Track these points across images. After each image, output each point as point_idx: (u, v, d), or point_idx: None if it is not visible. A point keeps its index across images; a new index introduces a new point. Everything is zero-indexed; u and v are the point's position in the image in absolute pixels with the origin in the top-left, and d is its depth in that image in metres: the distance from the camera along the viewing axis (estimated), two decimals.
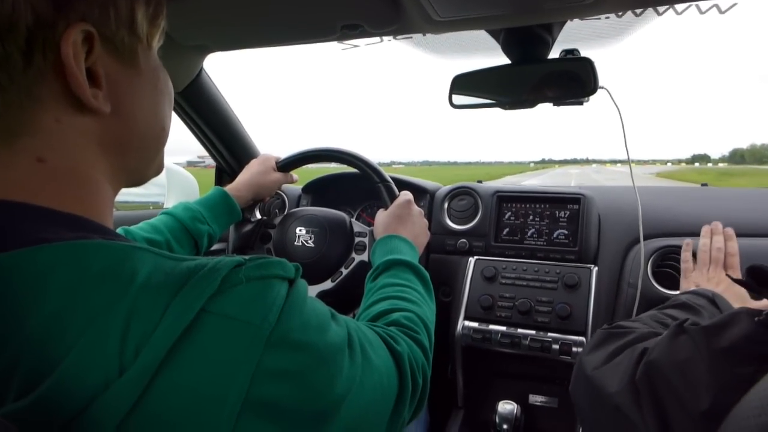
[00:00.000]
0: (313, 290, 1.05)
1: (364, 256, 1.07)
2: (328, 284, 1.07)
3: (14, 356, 0.31)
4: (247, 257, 0.40)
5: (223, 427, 0.33)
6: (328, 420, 0.41)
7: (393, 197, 1.03)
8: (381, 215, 0.98)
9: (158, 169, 0.52)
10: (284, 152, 1.19)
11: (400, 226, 0.94)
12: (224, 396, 0.33)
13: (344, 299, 1.08)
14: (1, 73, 0.36)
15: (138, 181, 0.50)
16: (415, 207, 1.00)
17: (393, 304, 0.70)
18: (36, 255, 0.34)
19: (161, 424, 0.32)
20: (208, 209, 0.97)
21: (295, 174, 1.17)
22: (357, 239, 1.10)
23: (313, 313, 0.43)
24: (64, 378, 0.30)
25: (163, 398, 0.32)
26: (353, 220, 1.14)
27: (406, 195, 1.01)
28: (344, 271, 1.07)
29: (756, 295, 0.55)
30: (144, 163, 0.49)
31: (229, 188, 1.03)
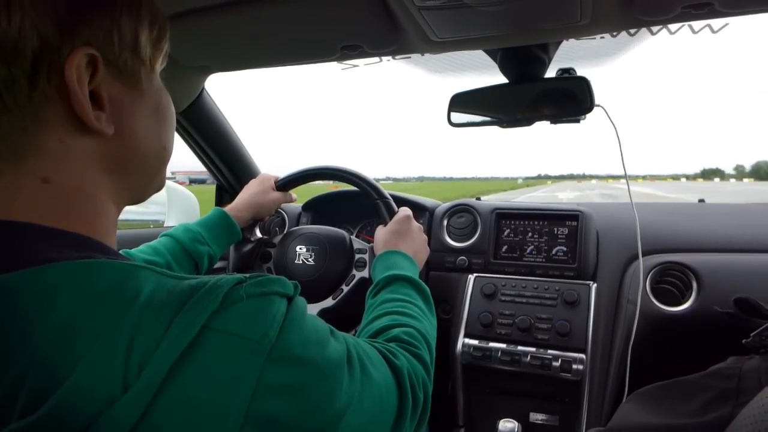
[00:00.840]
0: (315, 308, 1.05)
1: (365, 273, 1.07)
2: (329, 302, 1.06)
3: (20, 374, 0.31)
4: (247, 275, 0.41)
5: None
6: None
7: (392, 213, 1.03)
8: (380, 231, 0.98)
9: (159, 186, 0.53)
10: (284, 170, 1.20)
11: (399, 242, 0.94)
12: (226, 411, 0.34)
13: (346, 316, 1.07)
14: (7, 96, 0.36)
15: (139, 199, 0.51)
16: (415, 222, 1.00)
17: (393, 319, 0.70)
18: (42, 274, 0.34)
19: None
20: (207, 230, 0.98)
21: (294, 193, 1.18)
22: (357, 256, 1.10)
23: (312, 329, 0.43)
24: (69, 395, 0.31)
25: (167, 414, 0.32)
26: (353, 237, 1.15)
27: (405, 211, 1.01)
28: (345, 289, 1.07)
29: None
30: (145, 181, 0.50)
31: (228, 209, 1.04)
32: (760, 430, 0.31)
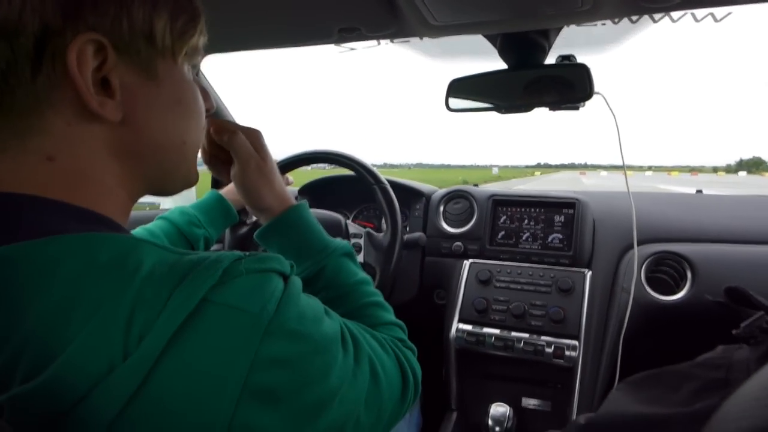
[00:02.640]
0: None
1: (360, 258, 1.07)
2: None
3: (22, 342, 0.32)
4: (246, 253, 0.41)
5: (223, 413, 0.34)
6: (326, 409, 0.42)
7: (389, 199, 1.03)
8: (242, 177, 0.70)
9: (186, 181, 0.52)
10: (280, 153, 1.20)
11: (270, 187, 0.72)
12: (224, 382, 0.35)
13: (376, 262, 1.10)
14: (10, 75, 0.37)
15: (161, 190, 0.51)
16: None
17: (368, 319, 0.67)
18: (45, 246, 0.35)
19: (163, 408, 0.33)
20: (203, 213, 0.97)
21: (290, 176, 1.17)
22: (353, 240, 1.10)
23: (308, 306, 0.44)
24: (69, 362, 0.31)
25: (165, 383, 0.33)
26: (349, 221, 1.15)
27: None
28: None
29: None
30: (162, 173, 0.49)
31: (224, 191, 1.03)
32: (746, 418, 0.32)
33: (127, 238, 0.38)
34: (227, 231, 1.15)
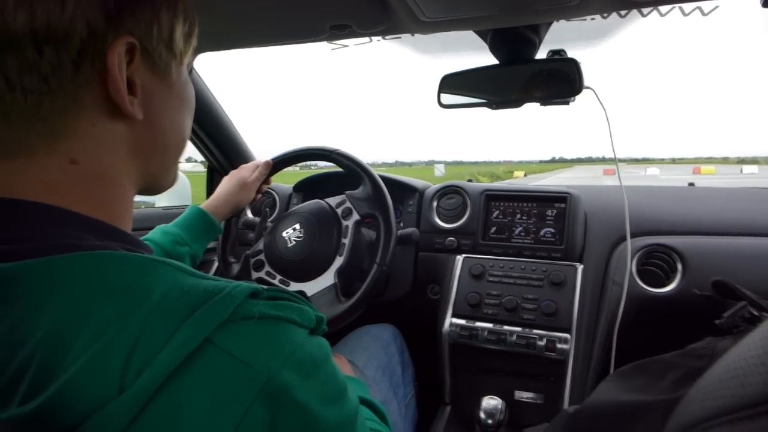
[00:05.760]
0: (332, 272, 1.09)
1: (355, 217, 1.13)
2: (339, 260, 1.10)
3: (27, 359, 0.32)
4: (265, 287, 0.39)
5: None
6: None
7: (377, 188, 1.08)
8: None
9: (174, 178, 0.54)
10: (274, 151, 1.22)
11: None
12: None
13: (357, 268, 1.13)
14: (53, 79, 0.38)
15: (156, 188, 0.52)
16: None
17: None
18: (59, 263, 0.35)
19: None
20: (186, 230, 0.97)
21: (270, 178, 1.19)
22: (339, 209, 1.15)
23: (329, 378, 0.40)
24: (65, 389, 0.31)
25: (154, 423, 0.32)
26: (326, 200, 1.18)
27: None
28: (346, 241, 1.11)
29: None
30: (163, 170, 0.51)
31: (205, 205, 1.04)
32: (708, 399, 0.33)
33: (142, 258, 0.37)
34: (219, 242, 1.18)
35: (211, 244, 1.07)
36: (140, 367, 0.32)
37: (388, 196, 1.12)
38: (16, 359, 0.32)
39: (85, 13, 0.38)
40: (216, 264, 1.41)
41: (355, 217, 1.13)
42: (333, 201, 1.17)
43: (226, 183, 1.10)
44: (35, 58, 0.37)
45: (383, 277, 1.08)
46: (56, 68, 0.37)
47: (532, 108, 1.12)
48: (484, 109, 1.12)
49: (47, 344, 0.32)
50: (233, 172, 1.12)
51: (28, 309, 0.33)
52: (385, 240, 1.09)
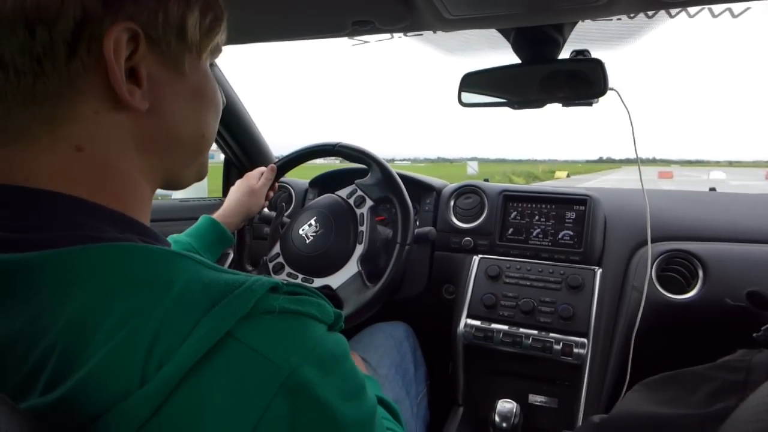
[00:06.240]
0: (354, 260, 1.09)
1: (368, 203, 1.13)
2: (359, 249, 1.10)
3: (49, 349, 0.32)
4: (284, 281, 0.39)
5: None
6: None
7: (386, 172, 1.10)
8: None
9: (199, 174, 0.53)
10: (291, 147, 1.22)
11: None
12: (231, 429, 0.33)
13: (378, 255, 1.14)
14: (45, 61, 0.37)
15: (175, 183, 0.51)
16: None
17: None
18: (81, 254, 0.35)
19: None
20: (198, 239, 0.98)
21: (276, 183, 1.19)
22: (352, 199, 1.15)
23: (348, 375, 0.40)
24: (87, 380, 0.31)
25: (175, 418, 0.31)
26: (337, 192, 1.18)
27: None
28: (363, 229, 1.11)
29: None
30: (178, 165, 0.49)
31: (217, 215, 1.05)
32: (759, 421, 0.31)
33: (163, 251, 0.37)
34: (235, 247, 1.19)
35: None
36: (162, 360, 0.31)
37: (398, 178, 1.12)
38: (38, 348, 0.32)
39: None
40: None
41: (369, 203, 1.13)
42: (344, 192, 1.17)
43: (235, 192, 1.11)
44: (26, 38, 0.36)
45: (408, 256, 1.08)
46: (49, 49, 0.36)
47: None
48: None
49: (69, 334, 0.32)
50: (240, 181, 1.13)
51: (50, 299, 0.33)
52: (403, 219, 1.09)
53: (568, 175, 55.66)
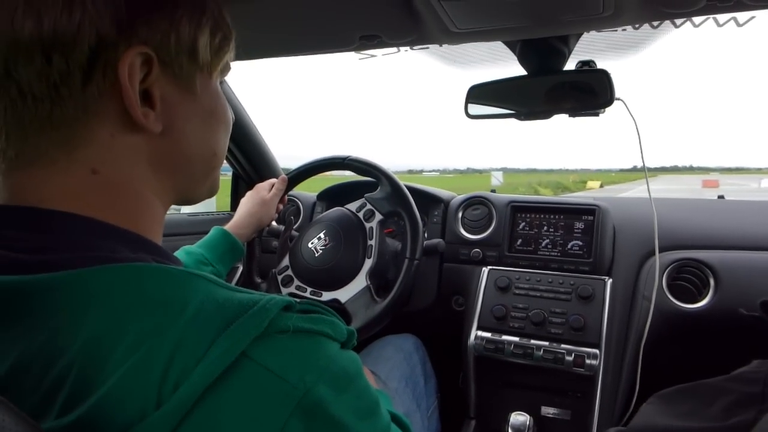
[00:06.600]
0: (363, 275, 1.09)
1: (378, 217, 1.13)
2: (368, 263, 1.10)
3: (65, 370, 0.32)
4: (297, 300, 0.39)
5: None
6: None
7: (395, 186, 1.10)
8: None
9: (211, 190, 0.53)
10: (299, 160, 1.23)
11: None
12: None
13: (386, 265, 1.14)
14: (62, 87, 0.38)
15: (188, 200, 0.52)
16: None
17: None
18: (96, 275, 0.35)
19: None
20: (210, 250, 0.99)
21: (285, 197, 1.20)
22: (361, 213, 1.15)
23: (362, 393, 0.40)
24: (103, 402, 0.31)
25: None
26: (347, 206, 1.19)
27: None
28: (372, 243, 1.12)
29: None
30: (191, 183, 0.50)
31: (229, 226, 1.06)
32: None
33: (176, 271, 0.37)
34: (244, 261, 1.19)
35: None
36: (178, 381, 0.31)
37: (407, 192, 1.13)
38: (55, 368, 0.32)
39: (93, 20, 0.37)
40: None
41: (378, 217, 1.13)
42: (353, 206, 1.17)
43: (246, 203, 1.12)
44: (44, 66, 0.37)
45: (417, 271, 1.08)
46: (65, 76, 0.37)
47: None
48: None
49: (86, 355, 0.32)
50: (250, 193, 1.14)
51: (65, 320, 0.33)
52: (412, 233, 1.09)
53: (601, 185, 52.38)
